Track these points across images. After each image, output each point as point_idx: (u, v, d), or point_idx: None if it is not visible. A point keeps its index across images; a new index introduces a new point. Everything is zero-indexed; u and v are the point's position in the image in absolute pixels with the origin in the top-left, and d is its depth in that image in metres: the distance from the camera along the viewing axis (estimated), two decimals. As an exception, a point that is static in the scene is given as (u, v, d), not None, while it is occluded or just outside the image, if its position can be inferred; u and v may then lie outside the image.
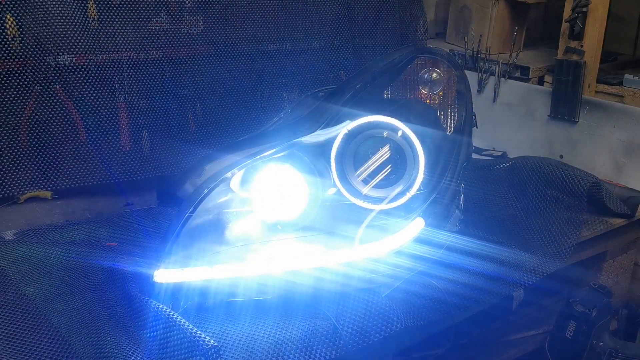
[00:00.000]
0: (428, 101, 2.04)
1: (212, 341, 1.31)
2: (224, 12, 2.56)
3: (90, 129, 2.30)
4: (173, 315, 1.40)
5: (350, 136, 1.70)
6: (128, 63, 2.36)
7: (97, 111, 2.30)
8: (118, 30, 2.30)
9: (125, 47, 2.33)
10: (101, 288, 1.63)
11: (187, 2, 2.46)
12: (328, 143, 1.70)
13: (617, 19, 2.99)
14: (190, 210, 1.54)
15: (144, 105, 2.41)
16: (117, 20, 2.29)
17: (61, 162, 2.26)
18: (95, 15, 2.25)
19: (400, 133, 1.69)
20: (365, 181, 1.73)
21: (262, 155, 1.63)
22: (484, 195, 2.29)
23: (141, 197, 2.29)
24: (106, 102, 2.32)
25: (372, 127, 1.71)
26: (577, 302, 2.00)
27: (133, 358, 1.32)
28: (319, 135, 1.71)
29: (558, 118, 2.66)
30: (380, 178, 1.73)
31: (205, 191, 1.57)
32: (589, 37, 2.51)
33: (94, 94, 2.29)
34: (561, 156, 2.66)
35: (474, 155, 2.53)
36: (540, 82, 2.83)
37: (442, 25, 3.43)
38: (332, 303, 1.55)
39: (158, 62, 2.43)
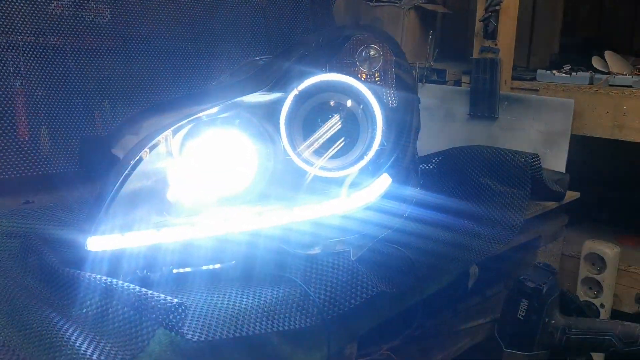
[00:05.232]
0: (367, 78, 1.96)
1: (175, 300, 1.07)
2: (133, 3, 2.36)
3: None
4: (113, 282, 1.14)
5: (302, 97, 1.56)
6: (24, 47, 2.07)
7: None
8: (13, 11, 2.03)
9: (21, 30, 2.06)
10: (15, 267, 1.30)
11: (93, -16, 2.24)
12: (278, 104, 1.55)
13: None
14: (129, 169, 1.30)
15: (44, 95, 2.12)
16: (11, -1, 2.01)
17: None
18: (-13, -9, 1.96)
19: (350, 102, 1.58)
20: (318, 152, 1.59)
21: (205, 112, 1.44)
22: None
23: (42, 196, 1.97)
24: (-1, 86, 2.01)
25: (325, 87, 1.59)
26: (527, 279, 1.95)
27: (69, 334, 1.04)
28: (267, 95, 1.56)
29: (478, 116, 2.70)
30: (336, 148, 1.59)
31: (147, 149, 1.34)
32: (503, 35, 2.60)
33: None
34: (483, 153, 2.68)
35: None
36: (457, 84, 2.88)
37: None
38: (298, 268, 1.36)
39: (58, 49, 2.16)
